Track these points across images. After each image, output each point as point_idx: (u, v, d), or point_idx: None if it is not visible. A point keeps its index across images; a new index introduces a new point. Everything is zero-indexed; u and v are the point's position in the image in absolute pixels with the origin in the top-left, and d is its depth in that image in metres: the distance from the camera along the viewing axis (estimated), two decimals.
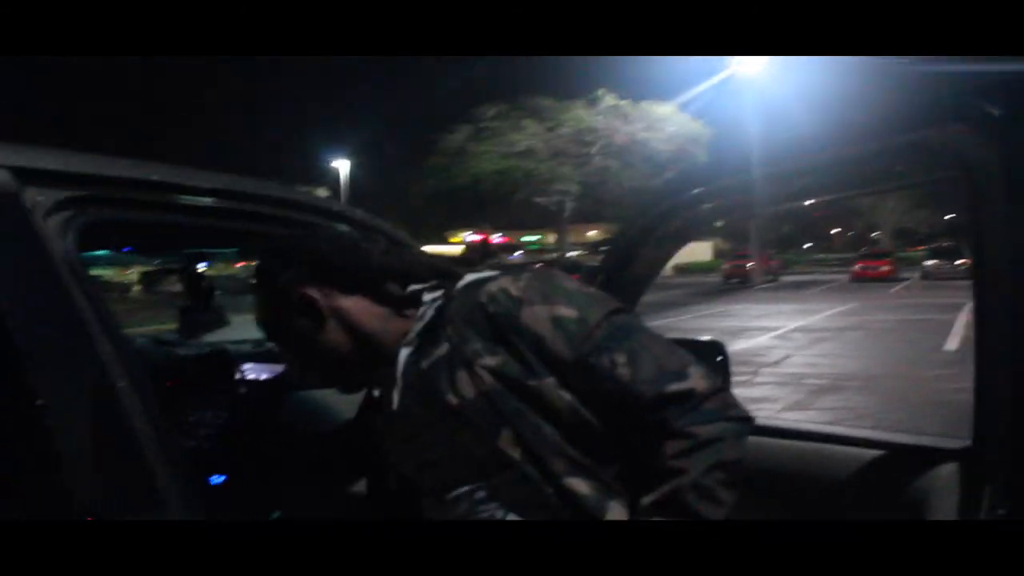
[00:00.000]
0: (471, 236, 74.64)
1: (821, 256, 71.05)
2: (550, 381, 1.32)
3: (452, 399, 1.34)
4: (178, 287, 2.66)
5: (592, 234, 78.49)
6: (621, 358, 1.30)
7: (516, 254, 75.15)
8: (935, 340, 13.76)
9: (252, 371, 2.77)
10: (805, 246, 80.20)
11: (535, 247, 77.66)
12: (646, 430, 1.29)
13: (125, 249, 2.11)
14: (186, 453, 2.53)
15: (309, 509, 2.36)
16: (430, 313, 1.44)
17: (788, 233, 70.55)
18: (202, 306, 2.68)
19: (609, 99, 38.59)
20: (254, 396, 2.66)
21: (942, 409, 8.16)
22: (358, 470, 2.32)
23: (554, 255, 47.97)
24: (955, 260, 37.25)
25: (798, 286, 35.52)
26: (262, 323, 1.54)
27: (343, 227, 1.80)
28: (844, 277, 39.76)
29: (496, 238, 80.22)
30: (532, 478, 1.31)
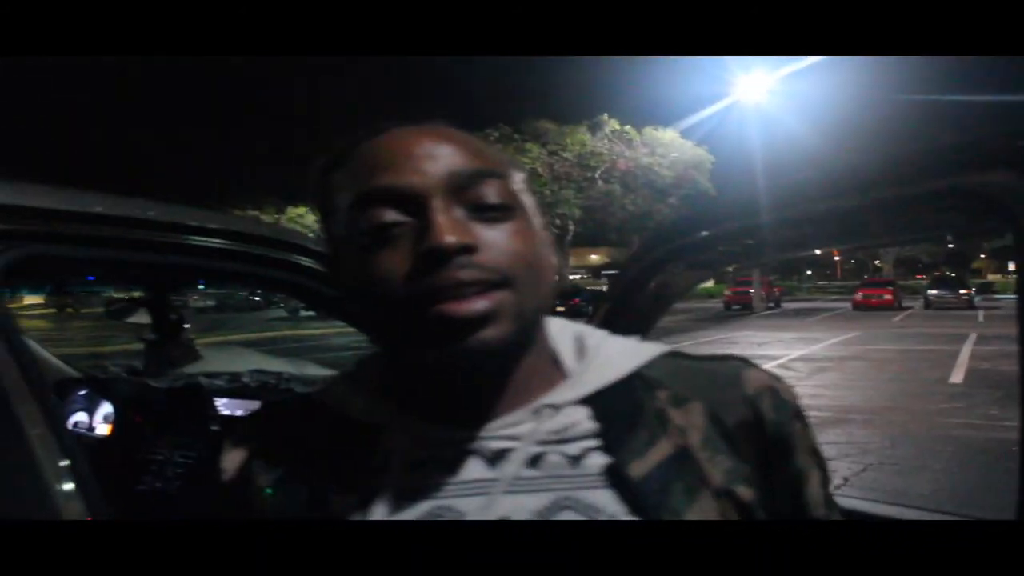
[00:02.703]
0: None
1: (823, 283, 71.18)
2: None
3: None
4: (145, 319, 2.50)
5: (594, 258, 78.67)
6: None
7: None
8: (940, 372, 13.59)
9: (227, 407, 2.61)
10: (807, 273, 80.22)
11: None
12: None
13: (88, 278, 1.96)
14: (151, 495, 2.37)
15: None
16: (614, 370, 0.86)
17: (790, 260, 70.38)
18: (170, 339, 2.52)
19: (612, 124, 38.73)
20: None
21: (949, 445, 8.01)
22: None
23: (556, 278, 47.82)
24: (958, 290, 37.27)
25: (799, 313, 35.43)
26: None
27: (307, 259, 1.65)
28: (846, 305, 39.66)
29: None
30: None
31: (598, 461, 0.78)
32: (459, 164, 0.77)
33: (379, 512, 0.77)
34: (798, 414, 0.84)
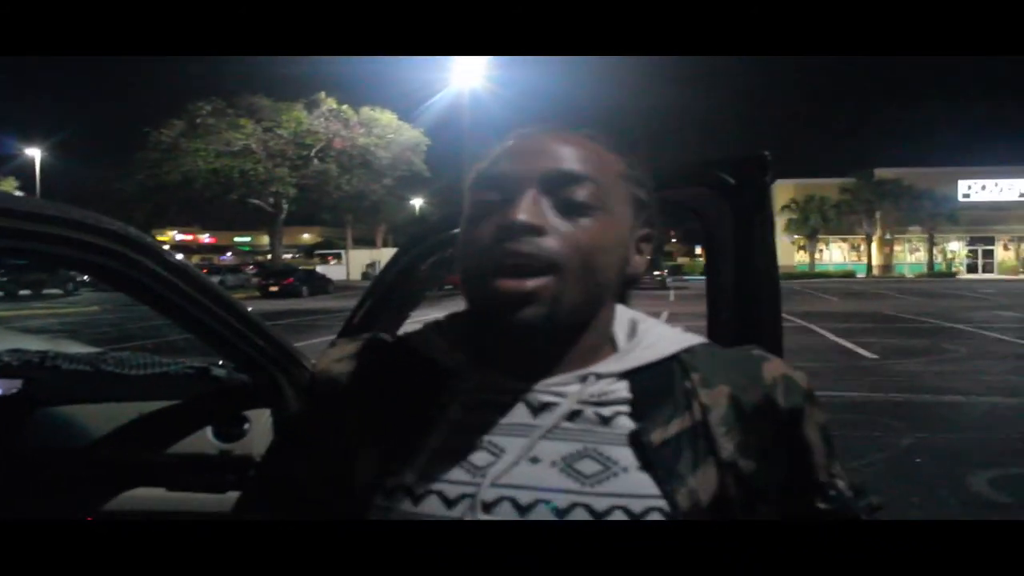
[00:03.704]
0: (179, 235, 71.01)
1: None
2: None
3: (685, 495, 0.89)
4: None
5: (306, 237, 77.21)
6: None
7: (227, 255, 72.28)
8: None
9: None
10: None
11: (247, 248, 75.26)
12: None
13: None
14: None
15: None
16: (655, 351, 0.98)
17: None
18: None
19: (329, 102, 38.17)
20: None
21: None
22: (115, 486, 2.25)
23: (267, 257, 46.53)
24: (652, 271, 40.21)
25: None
26: None
27: (101, 239, 1.65)
28: None
29: (205, 238, 76.73)
30: None
31: (626, 424, 0.91)
32: (561, 165, 0.90)
33: (434, 439, 0.92)
34: (808, 397, 0.96)
